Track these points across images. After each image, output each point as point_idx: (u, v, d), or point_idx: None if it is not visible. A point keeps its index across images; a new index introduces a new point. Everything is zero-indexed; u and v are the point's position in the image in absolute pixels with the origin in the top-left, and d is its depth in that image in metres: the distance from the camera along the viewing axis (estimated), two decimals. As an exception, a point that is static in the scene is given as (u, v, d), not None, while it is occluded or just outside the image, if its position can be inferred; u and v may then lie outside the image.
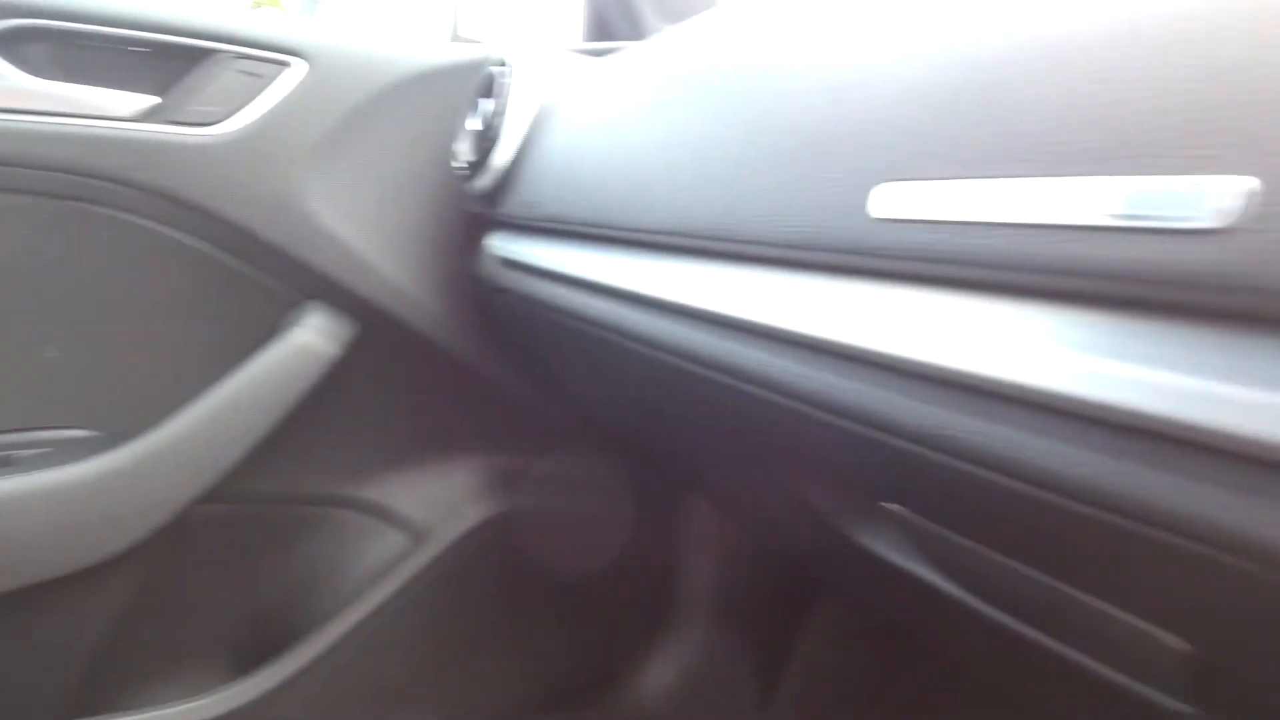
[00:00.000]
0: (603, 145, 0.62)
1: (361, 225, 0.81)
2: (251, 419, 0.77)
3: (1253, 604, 0.25)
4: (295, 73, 0.78)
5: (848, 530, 0.47)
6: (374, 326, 0.82)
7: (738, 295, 0.42)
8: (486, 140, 0.73)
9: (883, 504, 0.42)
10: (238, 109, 0.77)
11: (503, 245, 0.76)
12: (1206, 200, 0.22)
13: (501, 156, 0.72)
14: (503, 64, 0.76)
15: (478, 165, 0.74)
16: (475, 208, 0.79)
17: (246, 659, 0.83)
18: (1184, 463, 0.24)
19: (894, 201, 0.33)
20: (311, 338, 0.78)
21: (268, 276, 0.79)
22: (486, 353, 0.90)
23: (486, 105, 0.75)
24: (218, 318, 0.79)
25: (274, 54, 0.78)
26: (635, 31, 0.98)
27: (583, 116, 0.67)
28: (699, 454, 0.70)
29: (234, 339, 0.79)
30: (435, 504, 0.90)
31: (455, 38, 1.04)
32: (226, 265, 0.78)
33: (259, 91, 0.77)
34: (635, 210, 0.53)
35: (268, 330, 0.79)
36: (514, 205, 0.71)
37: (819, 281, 0.38)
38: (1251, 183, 0.22)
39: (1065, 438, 0.28)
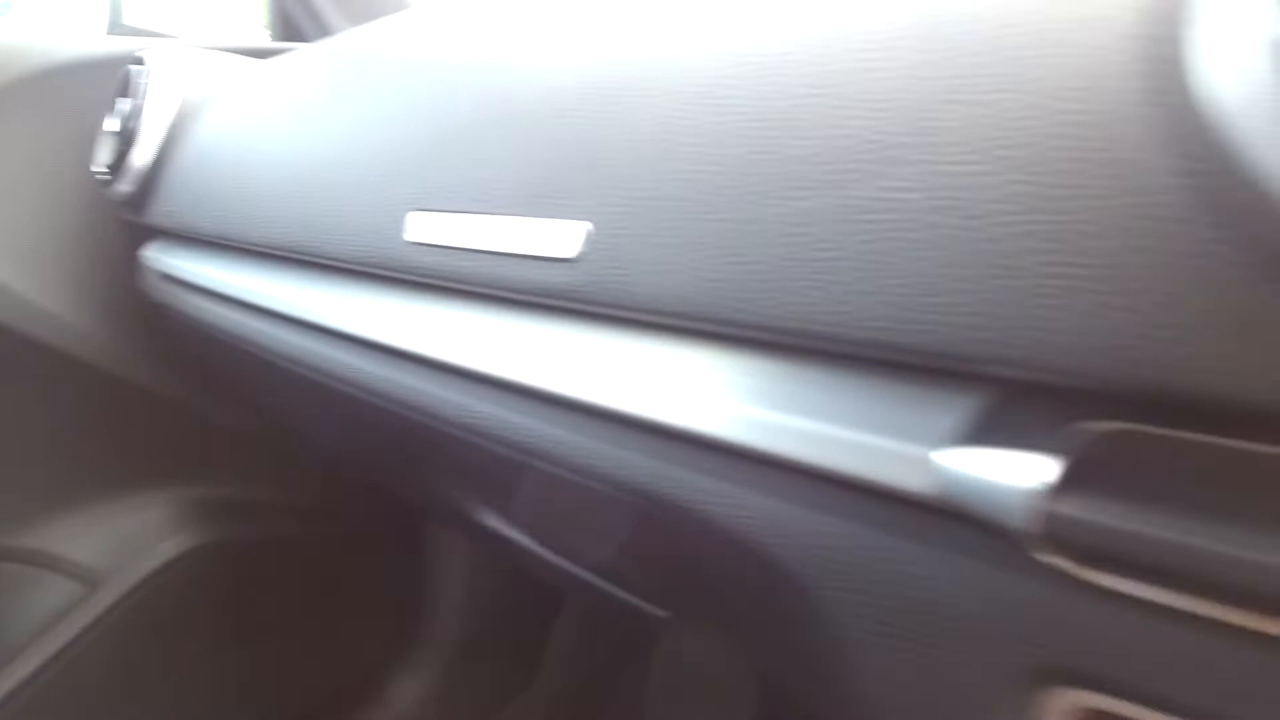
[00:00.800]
0: (237, 153, 0.61)
1: (-22, 237, 0.71)
2: None
3: (659, 537, 0.33)
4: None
5: (482, 519, 0.52)
6: (3, 351, 0.72)
7: (332, 308, 0.45)
8: (124, 143, 0.68)
9: (494, 491, 0.48)
10: None
11: (157, 258, 0.71)
12: (561, 237, 0.30)
13: (139, 160, 0.67)
14: (140, 62, 0.71)
15: (116, 169, 0.69)
16: (125, 215, 0.73)
17: None
18: (619, 435, 0.32)
19: (420, 228, 0.38)
20: (-84, 369, 0.68)
21: None
22: (165, 375, 0.83)
23: (123, 105, 0.70)
24: None
25: None
26: (321, 32, 0.96)
27: (223, 121, 0.65)
28: (370, 463, 0.72)
29: None
30: (114, 544, 0.82)
31: (115, 29, 0.94)
32: None
33: None
34: (257, 222, 0.54)
35: None
36: (156, 214, 0.67)
37: (391, 298, 0.42)
38: (588, 225, 0.29)
39: (551, 420, 0.34)
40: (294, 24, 0.99)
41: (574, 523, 0.39)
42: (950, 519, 0.23)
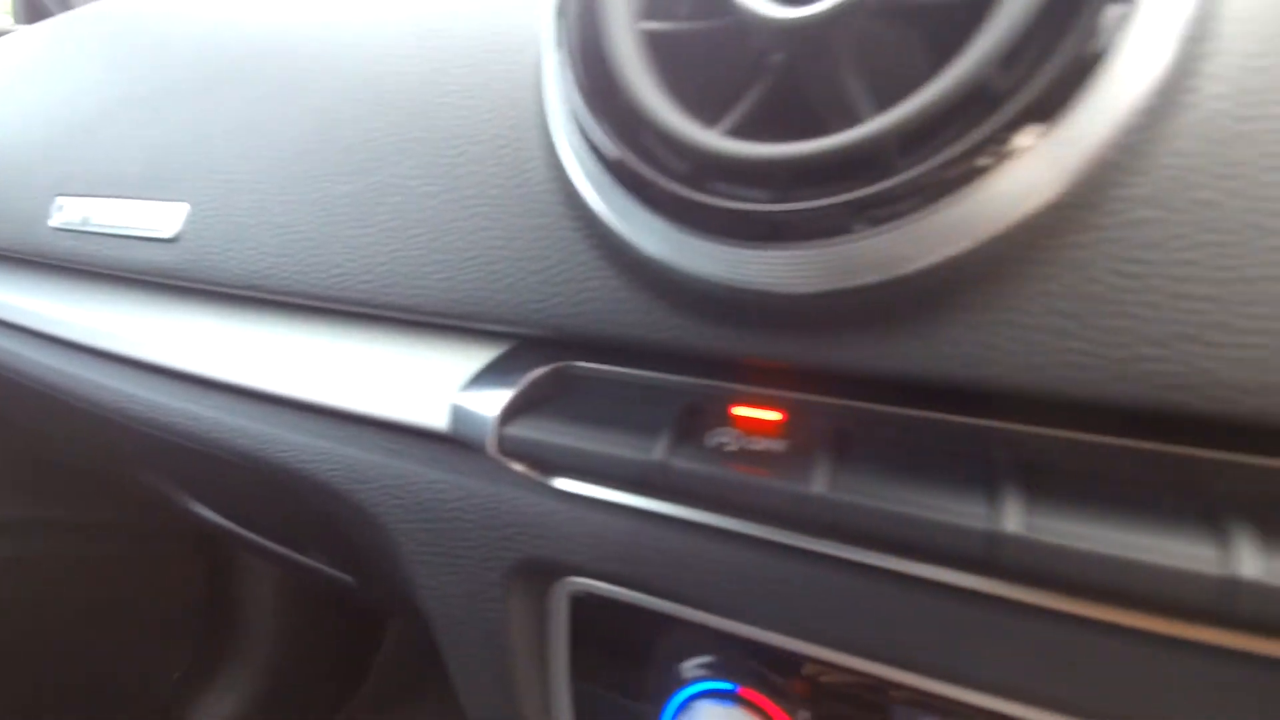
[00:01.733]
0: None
1: None
2: None
3: (294, 502, 0.36)
4: None
5: (184, 503, 0.53)
6: None
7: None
8: None
9: (189, 479, 0.49)
10: None
11: None
12: (164, 217, 0.32)
13: None
14: None
15: None
16: None
17: None
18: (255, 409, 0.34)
19: (62, 213, 0.39)
20: None
21: None
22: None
23: None
24: None
25: None
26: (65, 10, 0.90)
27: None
28: (98, 464, 0.69)
29: None
30: None
31: None
32: None
33: None
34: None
35: None
36: None
37: (40, 285, 0.42)
38: (185, 207, 0.32)
39: (180, 396, 0.36)
40: (40, 5, 0.92)
41: (241, 498, 0.41)
42: (462, 448, 0.28)
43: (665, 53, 0.20)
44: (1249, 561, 0.17)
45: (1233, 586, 0.17)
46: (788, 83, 0.20)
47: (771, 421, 0.23)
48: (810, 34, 0.19)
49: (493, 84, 0.27)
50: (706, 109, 0.20)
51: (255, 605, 1.00)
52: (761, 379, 0.23)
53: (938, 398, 0.21)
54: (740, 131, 0.20)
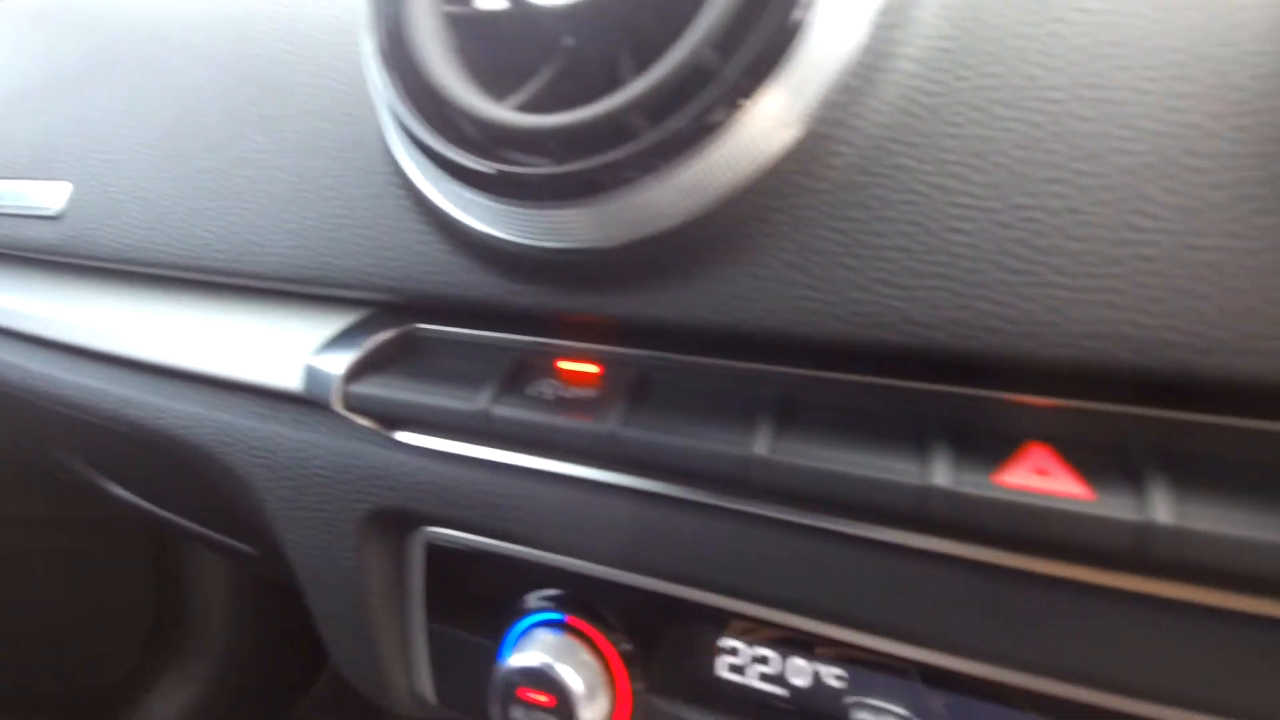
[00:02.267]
0: None
1: None
2: None
3: (185, 471, 0.38)
4: None
5: (100, 484, 0.53)
6: None
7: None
8: None
9: (96, 455, 0.49)
10: None
11: None
12: (44, 196, 0.34)
13: None
14: None
15: None
16: None
17: None
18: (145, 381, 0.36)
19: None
20: None
21: None
22: None
23: None
24: None
25: None
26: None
27: None
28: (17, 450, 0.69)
29: None
30: None
31: None
32: None
33: None
34: None
35: None
36: None
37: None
38: (68, 186, 0.34)
39: (72, 370, 0.38)
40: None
41: (146, 475, 0.42)
42: (318, 409, 0.30)
43: (469, 35, 0.22)
44: (941, 473, 0.20)
45: (927, 494, 0.20)
46: (577, 62, 0.23)
47: (589, 373, 0.26)
48: (581, 19, 0.21)
49: (339, 65, 0.29)
50: (507, 88, 0.23)
51: (206, 599, 1.00)
52: (583, 335, 0.26)
53: (731, 345, 0.24)
54: (532, 106, 0.22)
